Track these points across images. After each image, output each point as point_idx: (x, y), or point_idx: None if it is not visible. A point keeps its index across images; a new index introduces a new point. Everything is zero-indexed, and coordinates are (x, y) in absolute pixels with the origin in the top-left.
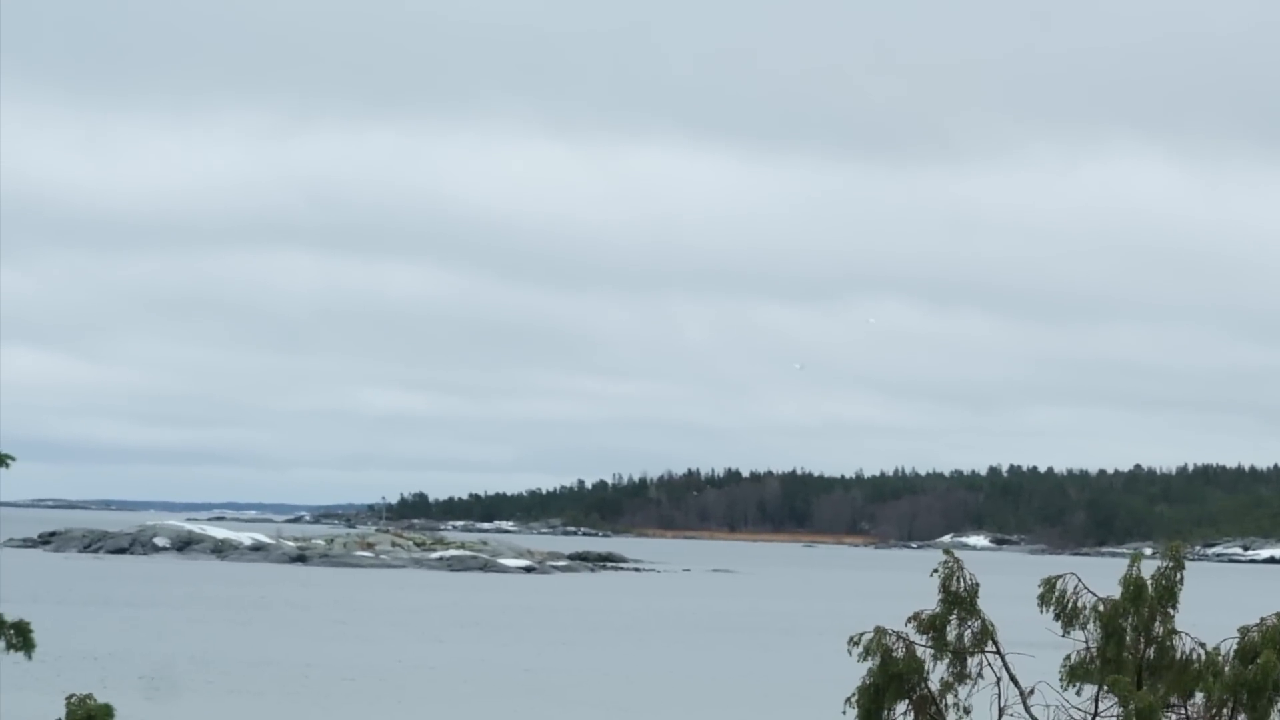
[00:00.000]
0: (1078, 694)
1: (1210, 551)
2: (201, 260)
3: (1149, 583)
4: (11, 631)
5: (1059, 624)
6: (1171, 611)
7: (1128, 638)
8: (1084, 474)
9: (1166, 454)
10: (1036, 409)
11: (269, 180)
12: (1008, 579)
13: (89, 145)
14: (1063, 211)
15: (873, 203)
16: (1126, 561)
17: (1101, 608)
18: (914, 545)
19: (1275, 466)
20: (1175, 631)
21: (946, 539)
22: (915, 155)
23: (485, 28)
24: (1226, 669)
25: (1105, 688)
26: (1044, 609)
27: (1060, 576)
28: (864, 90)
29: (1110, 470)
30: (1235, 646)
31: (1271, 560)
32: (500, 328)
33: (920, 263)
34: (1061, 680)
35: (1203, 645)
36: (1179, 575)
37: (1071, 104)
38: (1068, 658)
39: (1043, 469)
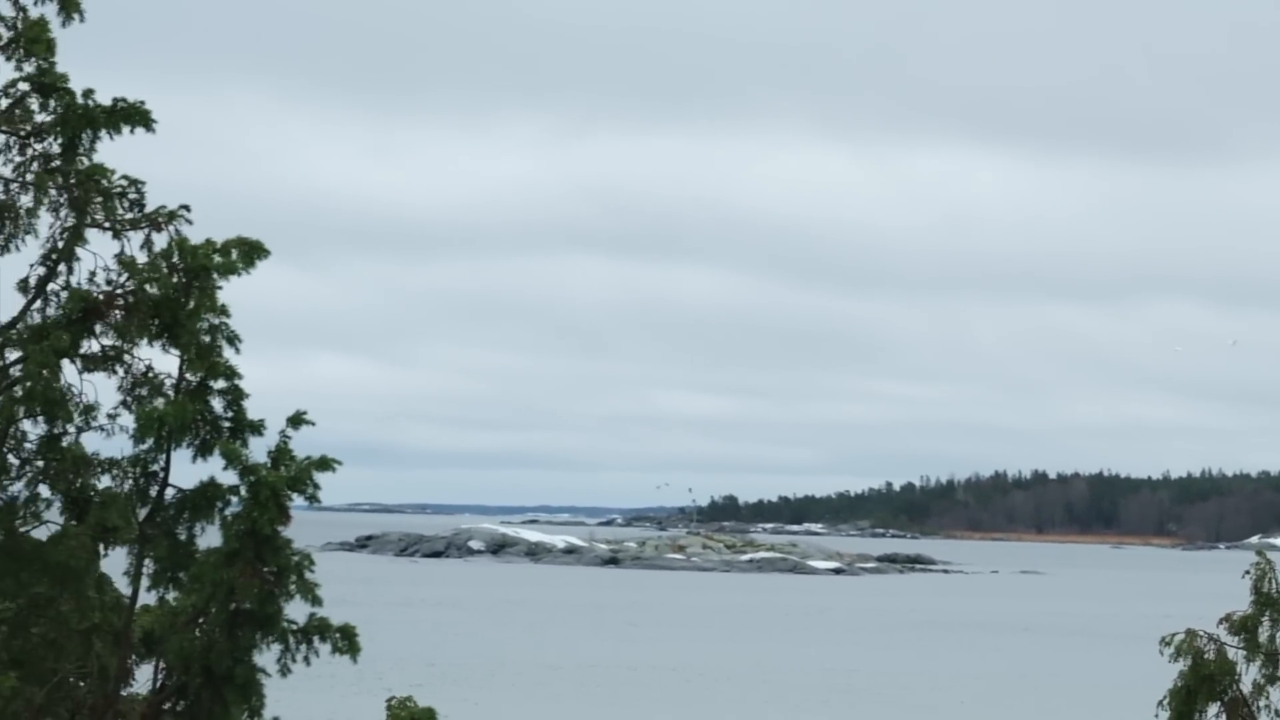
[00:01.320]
0: None
1: None
2: (497, 266)
3: None
4: (337, 635)
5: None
6: None
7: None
8: (1192, 478)
9: None
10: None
11: (556, 187)
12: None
13: (378, 153)
14: None
15: (1156, 204)
16: None
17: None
18: (1222, 546)
19: None
20: None
21: (1255, 539)
22: (1193, 157)
23: (757, 35)
24: None
25: None
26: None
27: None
28: (1141, 93)
29: (1228, 473)
30: None
31: None
32: (794, 331)
33: (1207, 263)
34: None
35: None
36: None
37: None
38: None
39: (1138, 476)
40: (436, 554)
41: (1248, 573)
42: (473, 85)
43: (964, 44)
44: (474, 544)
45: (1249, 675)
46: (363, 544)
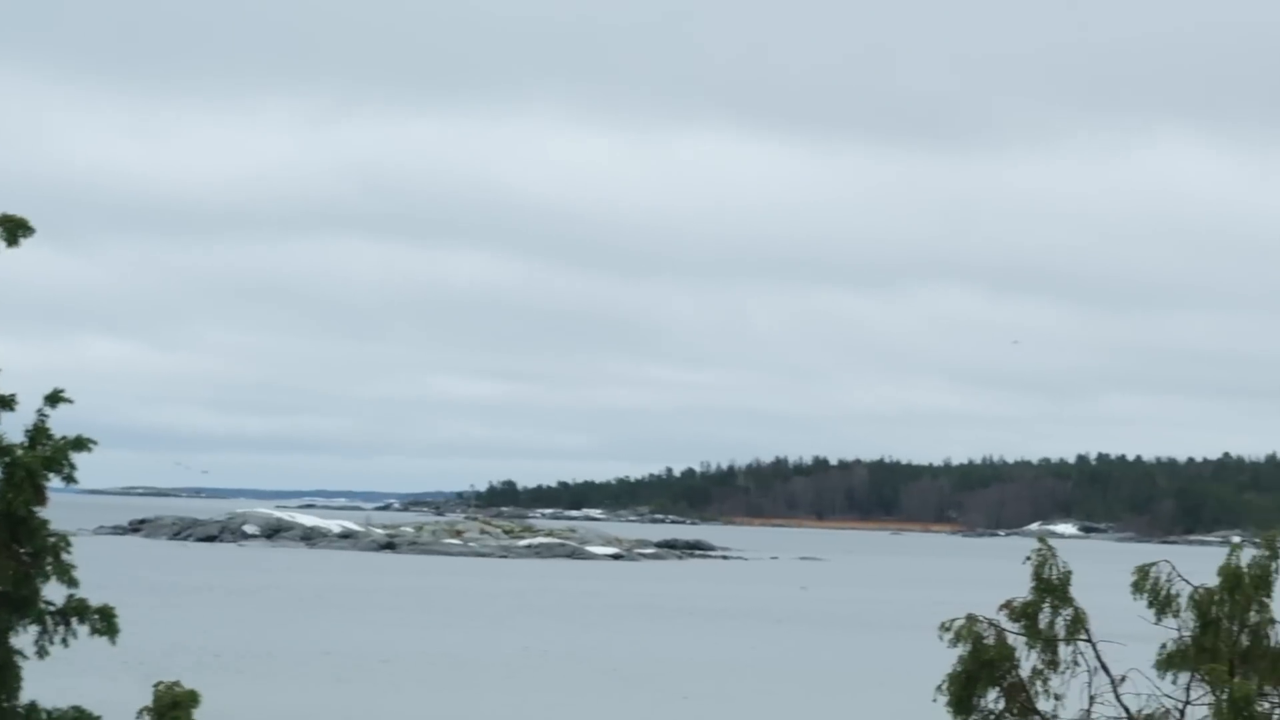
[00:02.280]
0: (1173, 683)
1: None
2: (264, 249)
3: (1245, 570)
4: (96, 616)
5: (1151, 611)
6: (1267, 600)
7: (1222, 626)
8: (1172, 462)
9: (1254, 442)
10: (1114, 397)
11: (321, 169)
12: (1095, 567)
13: (140, 133)
14: (1113, 198)
15: (927, 190)
16: (1215, 550)
17: (1198, 596)
18: (1001, 533)
19: None
20: (1272, 621)
21: (1034, 527)
22: (963, 143)
23: (520, 17)
24: None
25: (1198, 676)
26: (1137, 596)
27: (1154, 564)
28: (909, 77)
29: (1199, 458)
30: None
31: None
32: (568, 316)
33: (978, 250)
34: (1158, 668)
35: None
36: (1275, 564)
37: (1114, 92)
38: (1164, 645)
39: (1130, 457)
40: (210, 538)
41: (1029, 559)
42: (233, 66)
43: (729, 26)
44: (248, 528)
45: (1028, 661)
46: (135, 528)
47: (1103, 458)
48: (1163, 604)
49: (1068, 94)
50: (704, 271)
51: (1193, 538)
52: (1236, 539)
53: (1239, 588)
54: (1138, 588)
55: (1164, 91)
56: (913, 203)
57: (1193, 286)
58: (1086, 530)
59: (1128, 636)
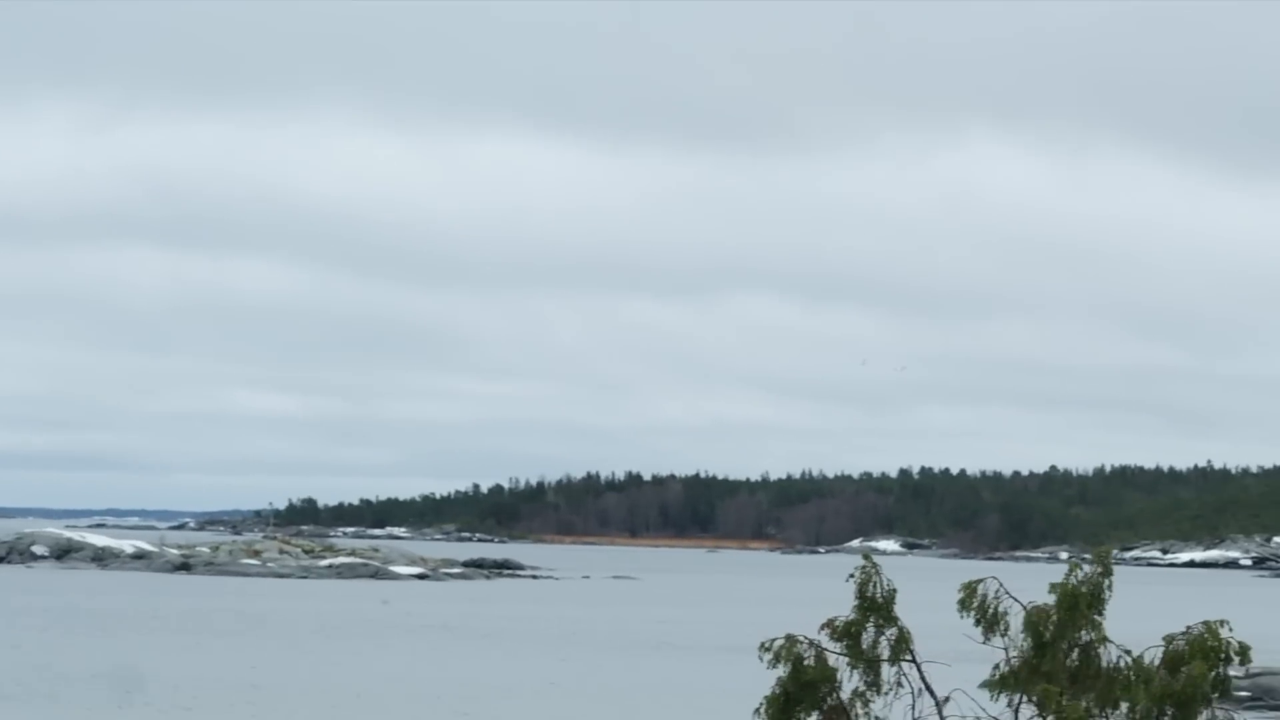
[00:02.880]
0: (996, 701)
1: (1128, 555)
2: (42, 256)
3: (1080, 589)
4: None
5: (978, 630)
6: (1099, 619)
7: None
8: (997, 476)
9: (1081, 455)
10: (933, 409)
11: (99, 172)
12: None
13: None
14: (923, 203)
15: (730, 194)
16: (1042, 566)
17: (1033, 615)
18: (822, 550)
19: (1195, 468)
20: (1104, 639)
21: (855, 543)
22: (767, 147)
23: (305, 19)
24: (1155, 679)
25: (1027, 697)
26: (964, 614)
27: (981, 581)
28: (707, 80)
29: (1024, 472)
30: (1161, 655)
31: (1191, 564)
32: (365, 326)
33: (787, 257)
34: (990, 689)
35: (1129, 653)
36: (1106, 581)
37: (920, 93)
38: (996, 666)
39: (954, 471)
40: None
41: (852, 576)
42: (2, 70)
43: (522, 28)
44: (37, 549)
45: (850, 683)
46: None
47: (925, 471)
48: (990, 622)
49: (872, 96)
50: (504, 279)
51: (1019, 554)
52: (1064, 555)
53: (1075, 607)
54: (964, 605)
55: (972, 93)
56: (717, 208)
57: (1009, 294)
58: (909, 546)
59: (953, 656)
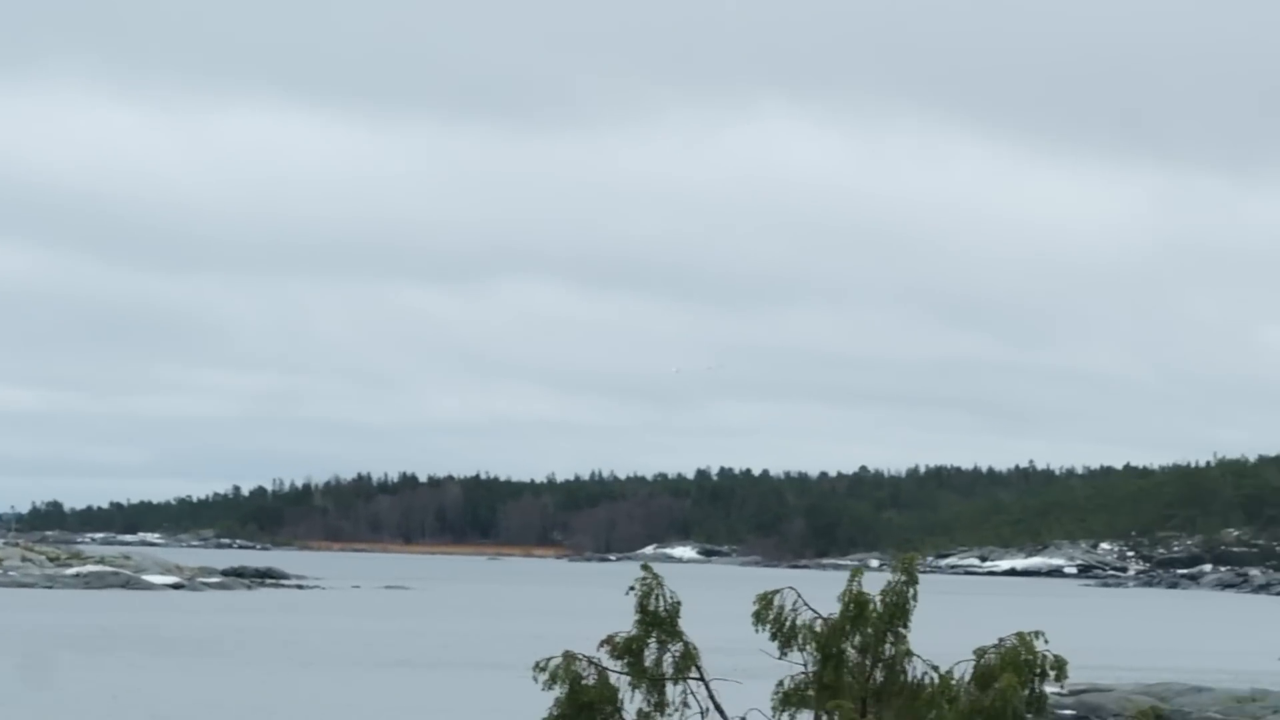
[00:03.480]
0: None
1: (944, 563)
2: None
3: (877, 599)
4: None
5: (775, 645)
6: (903, 631)
7: (851, 660)
8: (802, 477)
9: (892, 455)
10: (730, 404)
11: None
12: (715, 594)
13: None
14: (713, 182)
15: (505, 172)
16: (850, 574)
17: (819, 627)
18: (613, 558)
19: (1015, 468)
20: (909, 653)
21: (649, 550)
22: (544, 122)
23: None
24: (962, 695)
25: (823, 716)
26: (759, 628)
27: (777, 591)
28: (481, 48)
29: (832, 473)
30: (971, 670)
31: (1012, 573)
32: (106, 313)
33: (568, 239)
34: (774, 709)
35: (935, 668)
36: (912, 590)
37: (708, 65)
38: (781, 683)
39: (756, 471)
40: None
41: (633, 588)
42: None
43: None
44: None
45: (633, 703)
46: None
47: (725, 472)
48: (787, 636)
49: (657, 68)
50: (260, 263)
51: (826, 561)
52: (875, 562)
53: (862, 616)
54: (759, 618)
55: (763, 64)
56: (491, 186)
57: (808, 280)
58: (708, 553)
59: (747, 673)
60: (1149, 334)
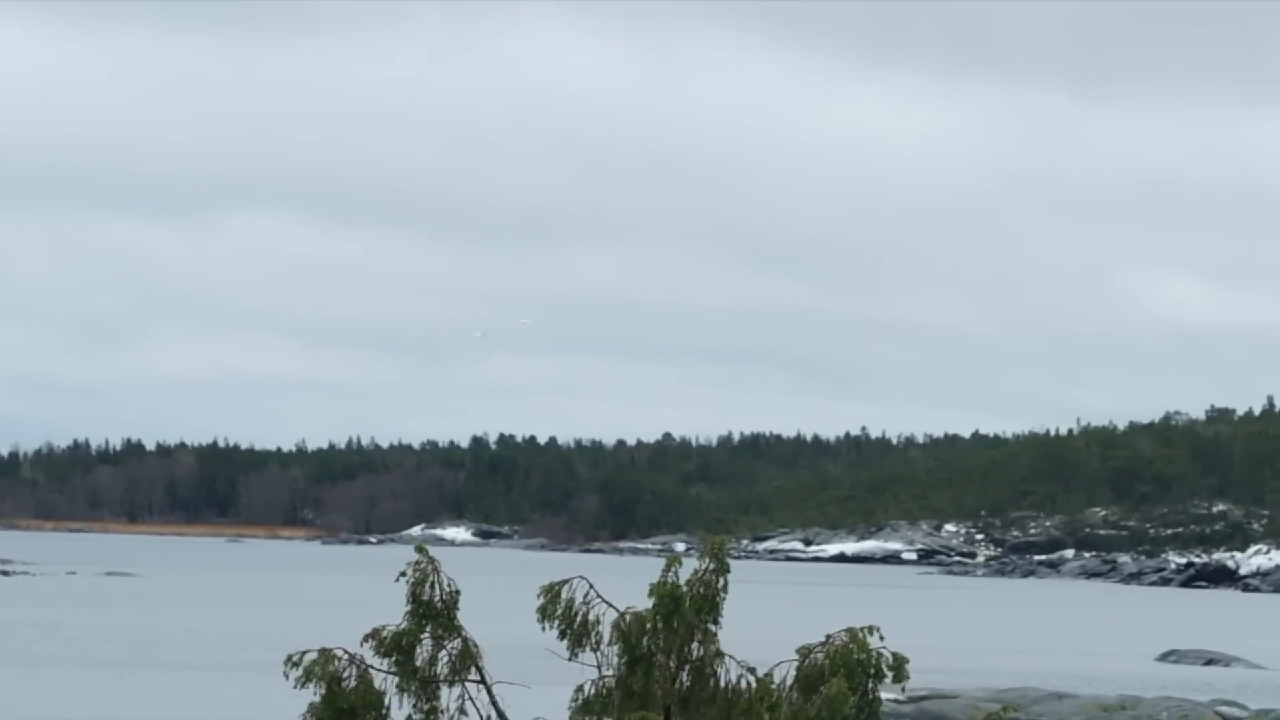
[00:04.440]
0: None
1: (762, 547)
2: None
3: (685, 591)
4: None
5: (565, 644)
6: (713, 628)
7: (657, 661)
8: (596, 447)
9: (700, 421)
10: (506, 361)
11: None
12: (496, 583)
13: None
14: (473, 99)
15: (229, 86)
16: (652, 560)
17: (624, 624)
18: (374, 540)
19: (846, 437)
20: (719, 654)
21: (416, 531)
22: (274, 27)
23: None
24: (783, 701)
25: None
26: (546, 623)
27: (566, 581)
28: None
29: (631, 441)
30: (794, 672)
31: (842, 558)
32: None
33: (305, 164)
34: (572, 715)
35: (752, 671)
36: (722, 580)
37: None
38: (580, 688)
39: (542, 440)
40: None
41: (403, 574)
42: None
43: None
44: None
45: (402, 708)
46: None
47: (505, 441)
48: (579, 634)
49: None
50: None
51: (624, 544)
52: (681, 546)
53: (678, 612)
54: (545, 613)
55: None
56: (213, 102)
57: (591, 214)
58: (485, 535)
59: (535, 675)
60: (991, 279)
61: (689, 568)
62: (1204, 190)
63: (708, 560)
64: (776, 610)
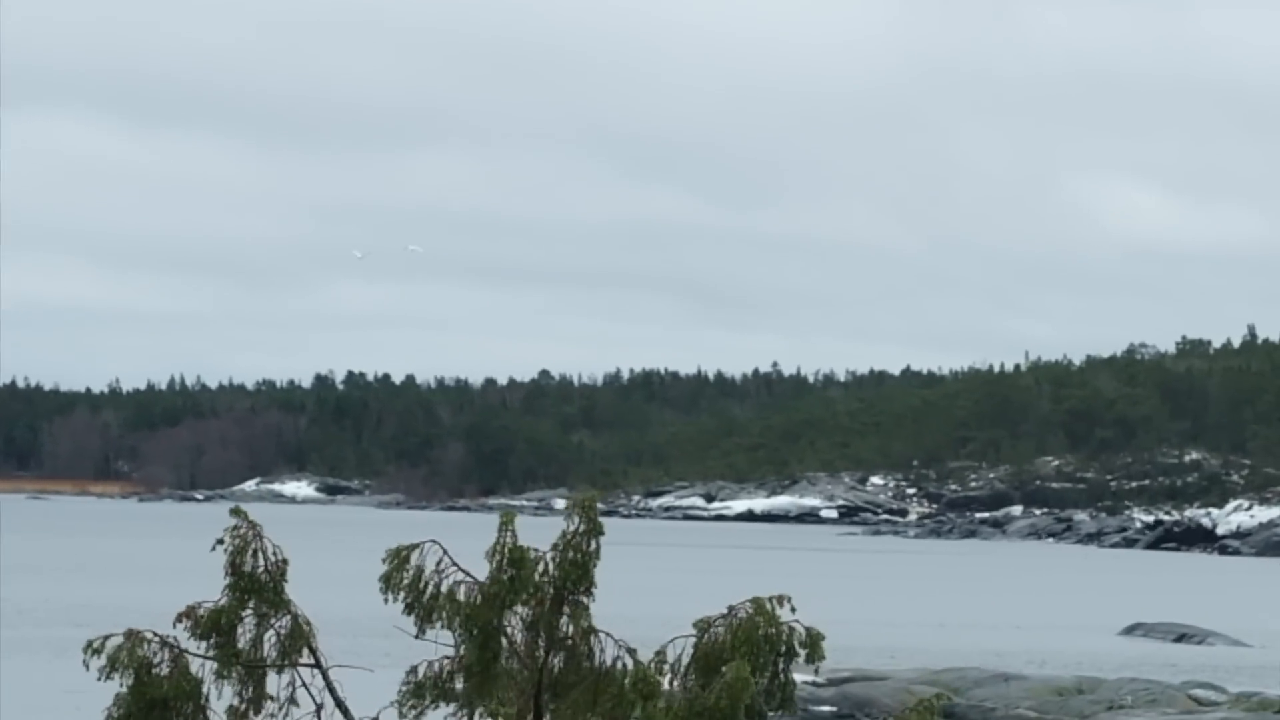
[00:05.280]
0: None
1: (656, 504)
2: None
3: (550, 557)
4: None
5: (413, 619)
6: (585, 600)
7: (518, 641)
8: (462, 386)
9: (583, 356)
10: (351, 285)
11: None
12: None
13: None
14: None
15: None
16: (530, 520)
17: (473, 595)
18: (200, 496)
19: (755, 374)
20: (593, 630)
21: (250, 486)
22: None
23: None
24: (675, 687)
25: (476, 715)
26: (390, 595)
27: (416, 546)
28: None
29: (501, 380)
30: (691, 650)
31: (750, 516)
32: None
33: (97, 58)
34: (400, 702)
35: (632, 652)
36: (594, 543)
37: None
38: (414, 670)
39: (397, 379)
40: None
41: (221, 542)
42: None
43: None
44: None
45: (223, 697)
46: None
47: (354, 380)
48: (428, 608)
49: None
50: None
51: (495, 501)
52: (561, 502)
53: (521, 579)
54: (390, 583)
55: None
56: None
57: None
58: (331, 491)
59: (384, 656)
60: (912, 190)
61: (557, 529)
62: (1157, 85)
63: (576, 520)
64: (673, 579)
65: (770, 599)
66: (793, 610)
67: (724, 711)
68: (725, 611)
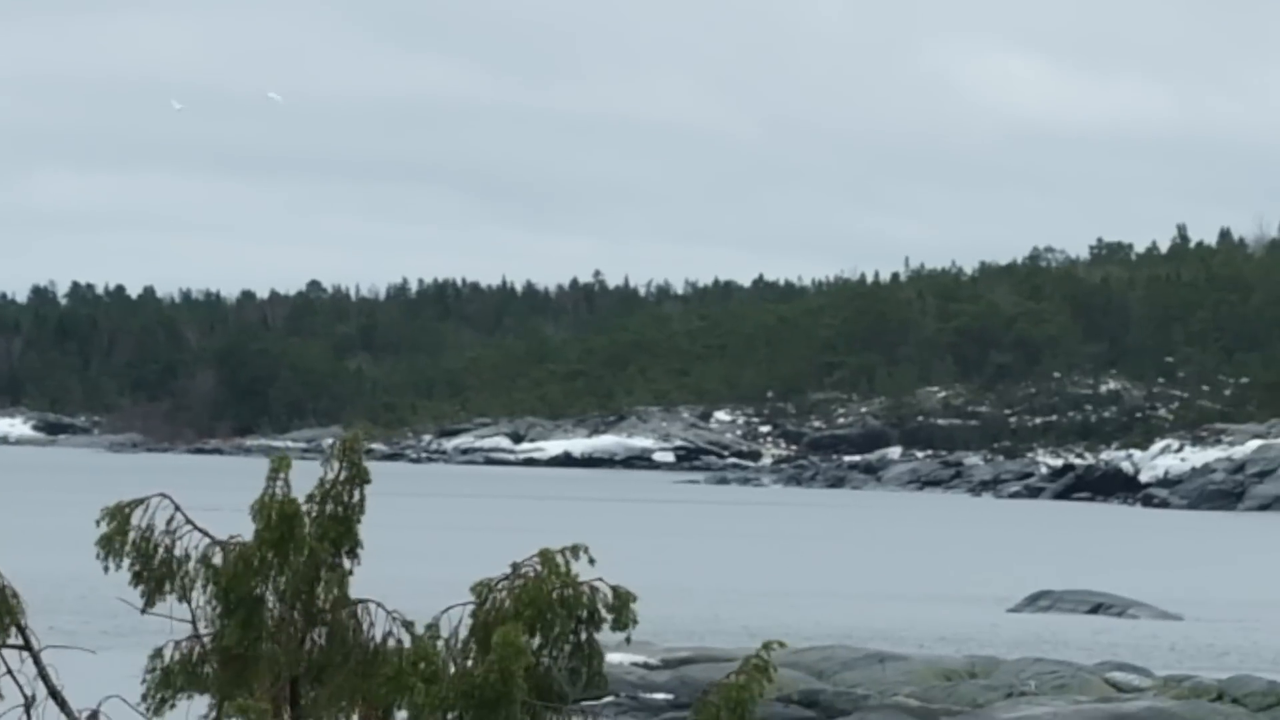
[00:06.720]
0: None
1: (452, 445)
2: None
3: (306, 509)
4: None
5: (141, 591)
6: (348, 562)
7: (274, 613)
8: (213, 302)
9: (356, 262)
10: (57, 176)
11: None
12: (61, 500)
13: None
14: None
15: None
16: (270, 465)
17: (226, 562)
18: None
19: (574, 285)
20: (355, 600)
21: None
22: None
23: None
24: (451, 664)
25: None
26: (111, 562)
27: (142, 501)
28: None
29: (261, 294)
30: (469, 619)
31: (567, 459)
32: None
33: None
34: (146, 694)
35: (408, 625)
36: (357, 494)
37: None
38: (158, 654)
39: (132, 291)
40: None
41: None
42: None
43: None
44: None
45: None
46: None
47: (80, 294)
48: (159, 576)
49: None
50: None
51: (253, 442)
52: (332, 442)
53: (290, 538)
54: (109, 547)
55: None
56: None
57: None
58: (52, 429)
59: (112, 634)
60: (739, 62)
61: (314, 476)
62: None
63: (337, 465)
64: (468, 539)
65: (563, 550)
66: (591, 562)
67: (495, 686)
68: (508, 570)
